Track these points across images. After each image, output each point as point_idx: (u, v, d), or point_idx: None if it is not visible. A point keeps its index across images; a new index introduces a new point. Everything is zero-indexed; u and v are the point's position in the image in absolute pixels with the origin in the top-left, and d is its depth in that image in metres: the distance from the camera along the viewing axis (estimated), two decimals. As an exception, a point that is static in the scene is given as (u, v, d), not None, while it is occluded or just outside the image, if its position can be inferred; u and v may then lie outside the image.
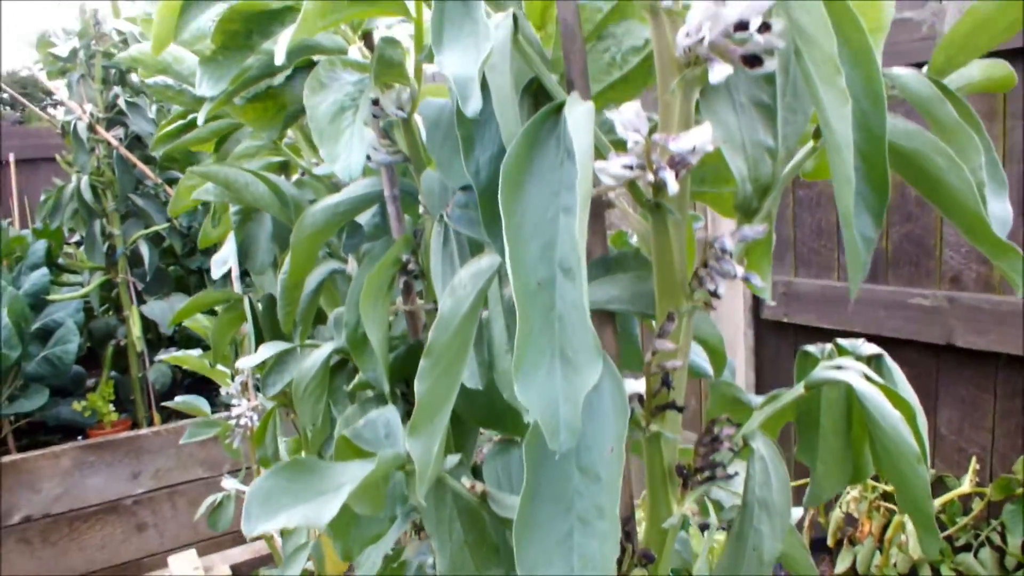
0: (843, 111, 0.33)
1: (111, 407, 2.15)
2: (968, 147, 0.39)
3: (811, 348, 0.52)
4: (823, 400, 0.50)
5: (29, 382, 1.98)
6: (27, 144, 3.16)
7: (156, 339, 2.35)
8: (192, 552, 1.75)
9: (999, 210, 0.40)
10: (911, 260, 1.69)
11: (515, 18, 0.41)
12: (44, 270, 2.07)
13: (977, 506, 1.56)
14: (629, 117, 0.34)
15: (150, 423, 2.28)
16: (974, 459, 1.55)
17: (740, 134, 0.39)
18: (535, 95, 0.44)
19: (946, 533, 1.60)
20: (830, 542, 1.73)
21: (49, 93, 2.24)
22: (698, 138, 0.34)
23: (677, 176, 0.36)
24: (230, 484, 1.45)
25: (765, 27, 0.34)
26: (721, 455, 0.43)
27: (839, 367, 0.48)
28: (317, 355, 0.73)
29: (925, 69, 0.45)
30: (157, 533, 2.09)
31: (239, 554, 1.74)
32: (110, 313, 2.33)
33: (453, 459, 0.50)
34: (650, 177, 0.36)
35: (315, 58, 0.59)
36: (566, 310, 0.34)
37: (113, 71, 2.12)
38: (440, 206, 0.51)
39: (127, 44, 2.05)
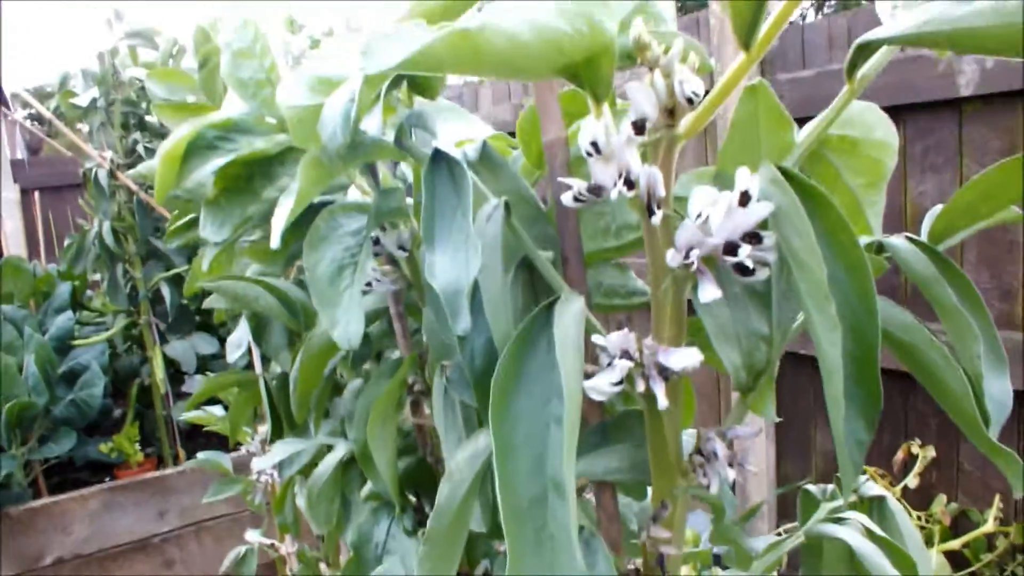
0: (833, 336, 0.33)
1: (137, 447, 2.19)
2: (967, 334, 0.38)
3: (812, 489, 0.52)
4: (824, 546, 0.50)
5: (57, 425, 2.02)
6: (53, 172, 3.24)
7: (179, 375, 2.39)
8: (218, 597, 1.77)
9: (999, 391, 0.39)
10: (931, 294, 1.67)
11: (507, 205, 0.42)
12: (69, 314, 2.12)
13: (1001, 544, 1.54)
14: (617, 343, 0.35)
15: (175, 459, 2.31)
16: (997, 497, 1.53)
17: (733, 326, 0.39)
18: (529, 269, 0.45)
19: (971, 570, 1.58)
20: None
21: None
22: (688, 360, 0.34)
23: (668, 379, 0.36)
24: (253, 537, 1.48)
25: (755, 238, 0.34)
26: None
27: (839, 518, 0.48)
28: (330, 460, 0.74)
29: (925, 233, 0.45)
30: (184, 568, 2.13)
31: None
32: (133, 350, 2.37)
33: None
34: (640, 386, 0.36)
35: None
36: (557, 531, 0.35)
37: (132, 117, 2.15)
38: (440, 353, 0.52)
39: (145, 93, 2.08)
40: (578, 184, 0.36)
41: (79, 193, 2.32)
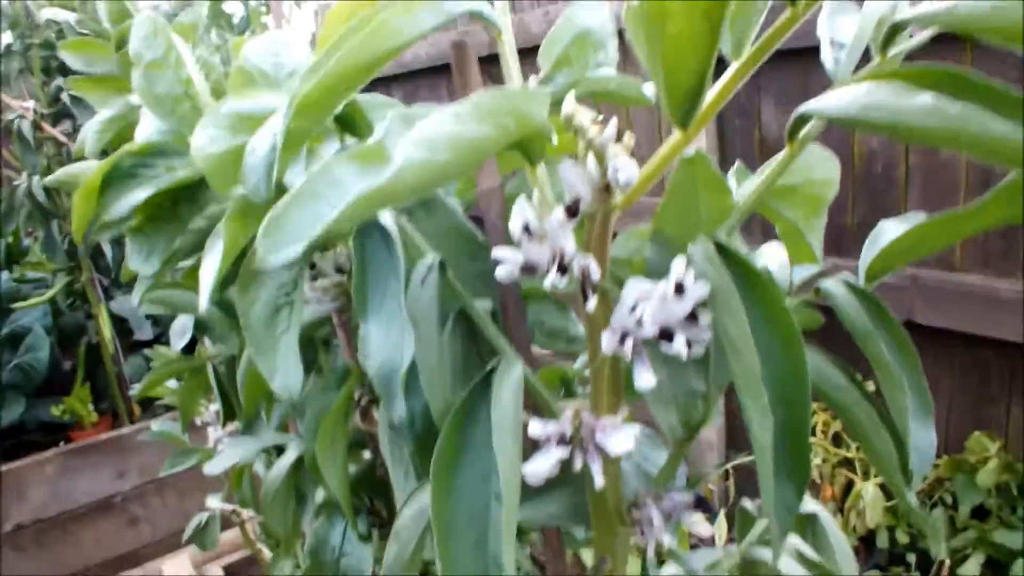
0: (765, 423, 0.33)
1: (90, 407, 2.16)
2: (897, 390, 0.39)
3: (748, 506, 0.54)
4: (759, 568, 0.52)
5: (3, 391, 1.97)
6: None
7: (127, 329, 2.34)
8: (184, 556, 1.80)
9: (923, 441, 0.41)
10: (876, 239, 1.71)
11: (442, 265, 0.40)
12: (6, 274, 2.03)
13: (931, 475, 1.65)
14: (553, 431, 0.34)
15: (131, 416, 2.29)
16: (932, 434, 1.62)
17: (671, 389, 0.39)
18: (468, 319, 0.44)
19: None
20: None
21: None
22: (627, 445, 0.34)
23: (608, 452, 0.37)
24: (214, 503, 1.48)
25: (692, 318, 0.34)
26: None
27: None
28: (282, 463, 0.74)
29: (863, 270, 0.45)
30: (150, 525, 2.15)
31: (232, 555, 1.80)
32: (77, 306, 2.30)
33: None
34: (578, 463, 0.36)
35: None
36: (499, 608, 0.35)
37: (53, 61, 2.01)
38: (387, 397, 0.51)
39: (64, 35, 1.94)
40: (512, 258, 0.35)
41: (3, 145, 2.19)
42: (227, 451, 0.79)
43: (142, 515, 2.13)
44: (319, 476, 0.68)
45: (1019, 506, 1.34)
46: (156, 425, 1.45)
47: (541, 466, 0.36)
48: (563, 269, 0.33)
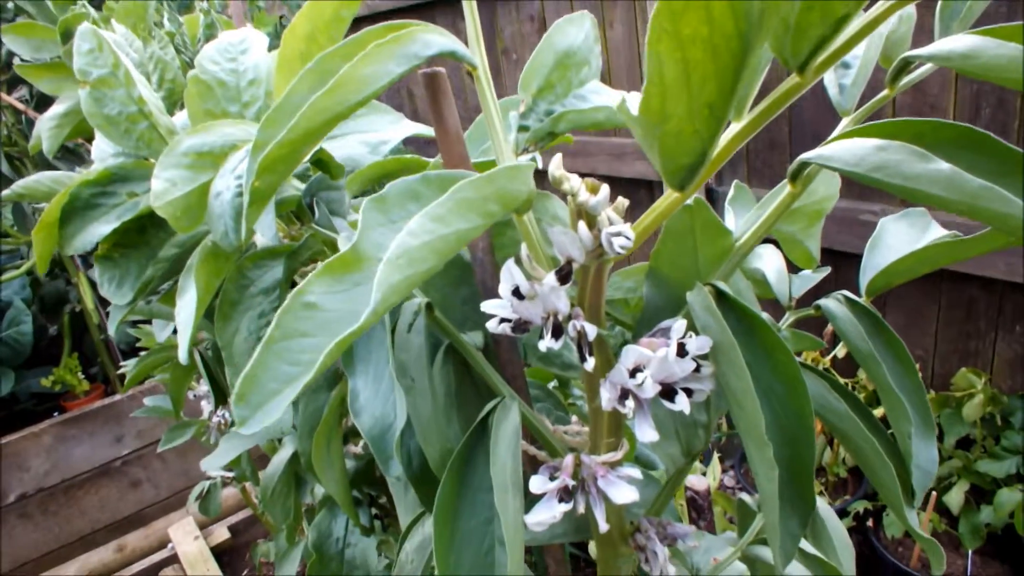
0: (771, 473, 0.32)
1: (80, 376, 2.15)
2: (900, 414, 0.38)
3: (748, 501, 0.54)
4: (758, 565, 0.53)
5: (-9, 366, 1.95)
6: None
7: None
8: (190, 519, 1.83)
9: (925, 460, 0.40)
10: (864, 173, 1.69)
11: (428, 307, 0.38)
12: (-23, 248, 1.98)
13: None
14: (555, 486, 0.33)
15: (123, 382, 2.28)
16: (918, 365, 1.65)
17: (672, 423, 0.39)
18: (458, 349, 0.42)
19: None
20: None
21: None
22: (629, 497, 0.34)
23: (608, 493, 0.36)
24: (214, 471, 1.50)
25: (694, 369, 0.33)
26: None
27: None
28: (279, 458, 0.74)
29: (864, 285, 0.43)
30: (152, 486, 2.18)
31: (236, 516, 1.84)
32: (57, 274, 2.26)
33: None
34: (581, 507, 0.36)
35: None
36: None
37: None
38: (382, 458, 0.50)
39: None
40: (503, 312, 0.33)
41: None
42: (222, 448, 0.79)
43: (143, 477, 2.16)
44: (316, 478, 0.68)
45: (1003, 436, 1.38)
46: (149, 401, 1.45)
47: (543, 517, 0.35)
48: (558, 332, 0.31)
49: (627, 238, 0.28)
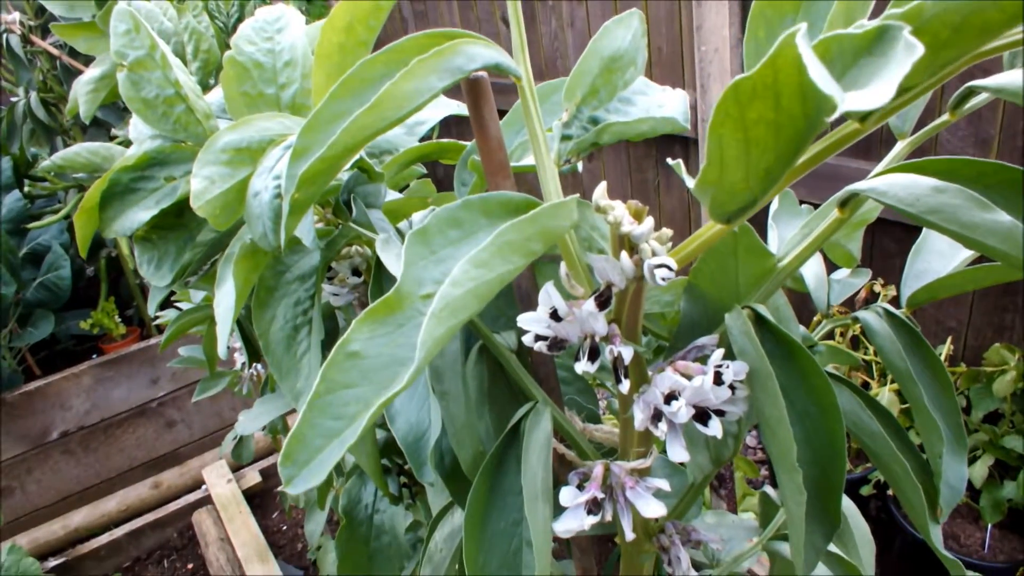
0: (799, 498, 0.33)
1: (117, 320, 2.21)
2: (933, 433, 0.38)
3: (772, 494, 0.54)
4: (779, 561, 0.54)
5: (32, 308, 2.01)
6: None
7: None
8: (223, 463, 1.90)
9: (954, 477, 0.40)
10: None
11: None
12: (17, 194, 2.02)
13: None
14: (585, 496, 0.34)
15: (158, 326, 2.34)
16: (949, 340, 1.63)
17: (702, 433, 0.39)
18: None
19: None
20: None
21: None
22: (655, 510, 0.34)
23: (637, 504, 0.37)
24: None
25: (729, 389, 0.33)
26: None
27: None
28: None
29: (905, 296, 0.43)
30: (186, 427, 2.26)
31: (267, 460, 1.90)
32: (94, 219, 2.30)
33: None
34: (608, 515, 0.36)
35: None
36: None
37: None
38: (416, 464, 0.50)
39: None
40: (539, 329, 0.33)
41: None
42: (257, 410, 0.81)
43: (178, 418, 2.23)
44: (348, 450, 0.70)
45: (1032, 414, 1.36)
46: (184, 351, 1.49)
47: (572, 525, 0.36)
48: (594, 354, 0.31)
49: (670, 269, 0.28)
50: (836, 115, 0.15)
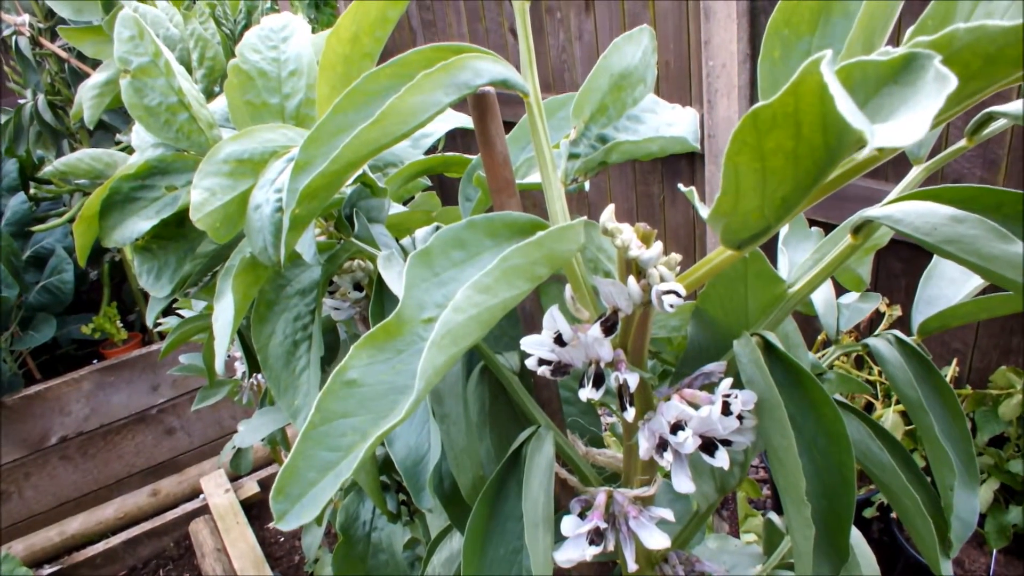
0: (807, 532, 0.32)
1: (119, 325, 2.21)
2: (944, 466, 0.37)
3: (776, 521, 0.53)
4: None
5: (34, 312, 2.01)
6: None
7: (150, 246, 2.34)
8: (221, 472, 1.89)
9: (965, 511, 0.39)
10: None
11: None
12: (22, 196, 2.02)
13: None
14: (587, 526, 0.33)
15: (160, 335, 2.34)
16: (955, 362, 1.61)
17: (707, 463, 0.38)
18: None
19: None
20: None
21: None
22: (659, 542, 0.33)
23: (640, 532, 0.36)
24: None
25: (737, 418, 0.32)
26: None
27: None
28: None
29: (917, 324, 0.42)
30: (185, 434, 2.25)
31: (266, 470, 1.89)
32: (98, 223, 2.29)
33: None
34: (611, 545, 0.35)
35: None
36: None
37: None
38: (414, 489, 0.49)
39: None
40: (542, 353, 0.32)
41: (2, 62, 2.11)
42: (257, 422, 0.80)
43: (178, 425, 2.22)
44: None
45: (1039, 438, 1.34)
46: (184, 359, 1.48)
47: (573, 555, 0.35)
48: (599, 381, 0.31)
49: (679, 295, 0.27)
50: (867, 152, 0.14)
